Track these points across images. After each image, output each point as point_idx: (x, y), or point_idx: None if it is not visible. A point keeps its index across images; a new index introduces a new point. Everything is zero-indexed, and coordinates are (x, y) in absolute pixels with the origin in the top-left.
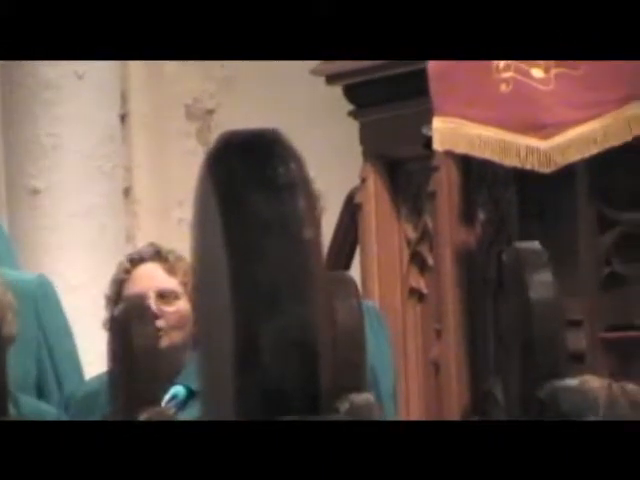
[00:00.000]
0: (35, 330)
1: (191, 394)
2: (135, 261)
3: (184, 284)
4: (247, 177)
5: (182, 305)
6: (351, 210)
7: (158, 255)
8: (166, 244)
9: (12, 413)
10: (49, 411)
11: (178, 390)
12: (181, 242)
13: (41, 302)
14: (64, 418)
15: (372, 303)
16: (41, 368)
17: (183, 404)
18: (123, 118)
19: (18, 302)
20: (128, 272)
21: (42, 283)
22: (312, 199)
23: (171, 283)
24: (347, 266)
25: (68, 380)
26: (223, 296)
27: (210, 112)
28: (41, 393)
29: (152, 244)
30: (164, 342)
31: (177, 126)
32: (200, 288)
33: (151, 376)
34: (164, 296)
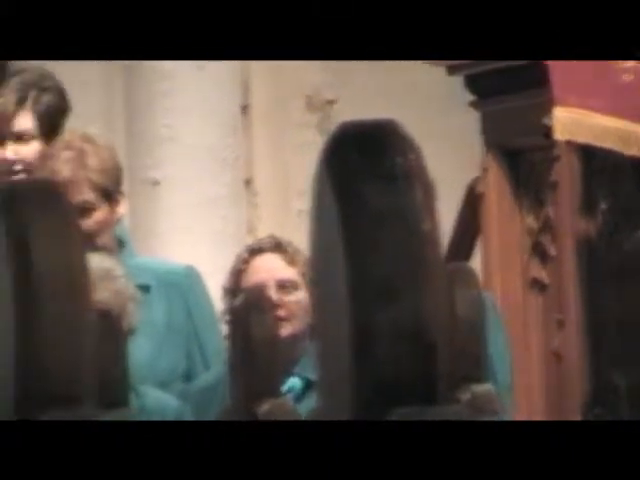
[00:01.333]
0: (184, 322)
1: (308, 385)
2: (254, 252)
3: (303, 275)
4: (363, 168)
5: (301, 295)
6: (472, 200)
7: (278, 246)
8: (286, 235)
9: (134, 404)
10: (170, 403)
11: (295, 382)
12: (301, 233)
13: (190, 293)
14: (186, 410)
15: (487, 293)
16: (190, 359)
17: (301, 395)
18: (244, 109)
19: (167, 292)
20: (246, 262)
21: (191, 274)
22: (429, 190)
23: (291, 273)
24: (468, 257)
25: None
26: (339, 287)
27: (330, 103)
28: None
29: (272, 236)
30: (284, 332)
31: (297, 117)
32: (317, 279)
33: (270, 367)
34: (284, 286)
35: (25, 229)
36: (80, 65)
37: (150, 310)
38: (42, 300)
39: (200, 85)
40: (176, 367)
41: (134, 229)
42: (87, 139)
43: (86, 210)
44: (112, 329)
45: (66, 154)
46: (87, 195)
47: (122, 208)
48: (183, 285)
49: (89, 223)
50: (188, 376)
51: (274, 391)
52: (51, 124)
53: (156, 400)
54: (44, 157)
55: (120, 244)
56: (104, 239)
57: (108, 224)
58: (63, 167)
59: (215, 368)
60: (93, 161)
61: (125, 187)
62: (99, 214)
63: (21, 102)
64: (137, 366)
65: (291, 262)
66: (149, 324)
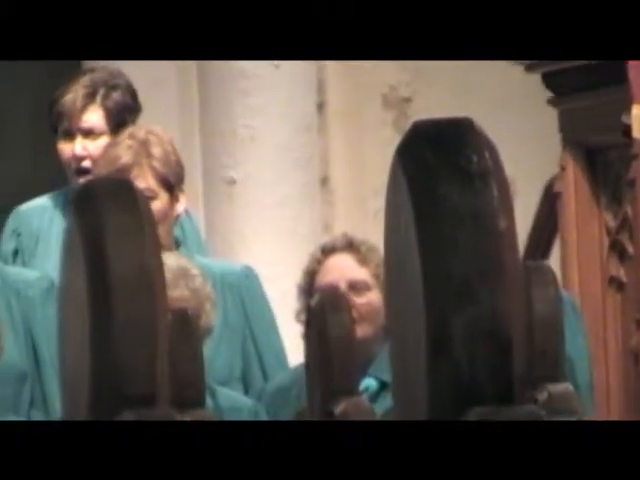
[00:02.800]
0: (241, 322)
1: (383, 386)
2: (327, 251)
3: (376, 276)
4: (439, 167)
5: (373, 296)
6: (550, 199)
7: (350, 246)
8: (362, 234)
9: (209, 405)
10: (246, 403)
11: (370, 382)
12: (378, 232)
13: (247, 293)
14: (261, 410)
15: (566, 292)
16: (247, 361)
17: (375, 396)
18: (320, 107)
19: (225, 294)
20: (320, 263)
21: (248, 274)
22: (506, 189)
23: (362, 274)
24: (546, 255)
25: (274, 373)
26: (415, 287)
27: (407, 100)
28: (247, 386)
29: (345, 235)
30: (357, 332)
31: (374, 115)
32: (392, 278)
33: (347, 366)
34: (355, 287)
35: (100, 228)
36: (155, 65)
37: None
38: (117, 300)
39: (276, 84)
40: (233, 367)
41: (210, 228)
42: (151, 132)
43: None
44: (189, 328)
45: (129, 142)
46: (149, 182)
47: (181, 206)
48: (240, 286)
49: None
50: (244, 376)
51: (351, 390)
52: (119, 121)
53: (231, 400)
54: (107, 145)
55: (176, 243)
56: (160, 231)
57: (166, 217)
58: (125, 153)
59: (287, 370)
60: (157, 151)
61: (201, 186)
62: (158, 204)
63: (90, 98)
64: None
65: (363, 262)
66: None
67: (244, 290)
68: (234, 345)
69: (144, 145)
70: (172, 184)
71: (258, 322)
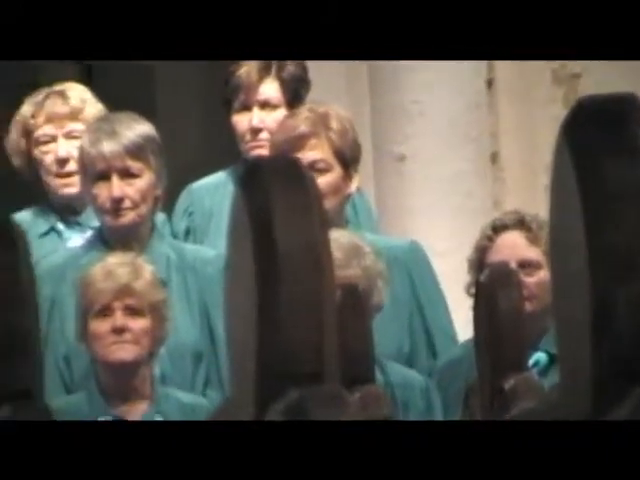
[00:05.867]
0: (408, 297)
1: (553, 360)
2: (498, 228)
3: (547, 253)
4: (603, 143)
5: (544, 275)
6: None
7: (521, 223)
8: (533, 210)
9: (380, 380)
10: (416, 379)
11: (540, 356)
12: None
13: (414, 269)
14: (431, 385)
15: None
16: (414, 336)
17: (545, 370)
18: (489, 84)
19: (391, 269)
20: (491, 240)
21: (415, 249)
22: None
23: (533, 253)
24: None
25: (442, 349)
26: (580, 263)
27: (576, 76)
28: (413, 362)
29: (516, 211)
30: (528, 308)
31: (543, 91)
32: (557, 254)
33: (516, 341)
34: (525, 266)
35: (267, 205)
36: None
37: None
38: (284, 277)
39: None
40: (401, 342)
41: (380, 204)
42: (331, 107)
43: (320, 169)
44: (360, 305)
45: (308, 113)
46: (325, 153)
47: (354, 185)
48: (407, 260)
49: (320, 183)
50: (411, 351)
51: (521, 366)
52: (294, 93)
53: (401, 375)
54: (285, 116)
55: (347, 221)
56: (330, 204)
57: (338, 192)
58: (303, 123)
59: (459, 344)
60: (335, 124)
61: (371, 162)
62: (331, 177)
63: (266, 70)
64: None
65: (534, 241)
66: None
67: (411, 265)
68: (402, 321)
69: (324, 118)
70: (347, 160)
71: (426, 297)
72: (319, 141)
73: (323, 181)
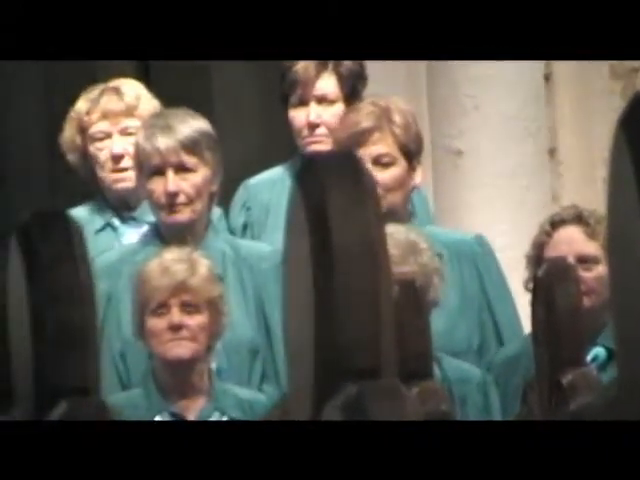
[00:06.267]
0: (477, 292)
1: (612, 355)
2: (556, 223)
3: (605, 248)
4: None
5: (602, 270)
6: None
7: (579, 218)
8: (591, 205)
9: (437, 375)
10: (474, 374)
11: (598, 351)
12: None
13: (482, 263)
14: (489, 380)
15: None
16: (483, 331)
17: (604, 365)
18: (547, 78)
19: (458, 263)
20: (549, 235)
21: (482, 243)
22: None
23: (591, 248)
24: None
25: (510, 343)
26: (637, 255)
27: (635, 70)
28: (483, 356)
29: (574, 206)
30: (586, 303)
31: (601, 85)
32: (615, 248)
33: (574, 336)
34: (583, 261)
35: (324, 200)
36: None
37: (444, 279)
38: (340, 272)
39: None
40: (471, 337)
41: (438, 199)
42: (393, 101)
43: (384, 164)
44: (417, 301)
45: (371, 108)
46: (390, 147)
47: (418, 178)
48: (475, 254)
49: (385, 177)
50: (481, 346)
51: (579, 361)
52: (351, 88)
53: (458, 370)
54: (347, 111)
55: (410, 214)
56: (396, 198)
57: (403, 185)
58: (366, 118)
59: (518, 338)
60: (398, 118)
61: (428, 157)
62: (396, 170)
63: (323, 65)
64: (432, 337)
65: (592, 235)
66: (442, 294)
67: (479, 259)
68: (471, 315)
69: (386, 112)
70: (411, 152)
71: (494, 291)
72: (383, 135)
73: (388, 175)
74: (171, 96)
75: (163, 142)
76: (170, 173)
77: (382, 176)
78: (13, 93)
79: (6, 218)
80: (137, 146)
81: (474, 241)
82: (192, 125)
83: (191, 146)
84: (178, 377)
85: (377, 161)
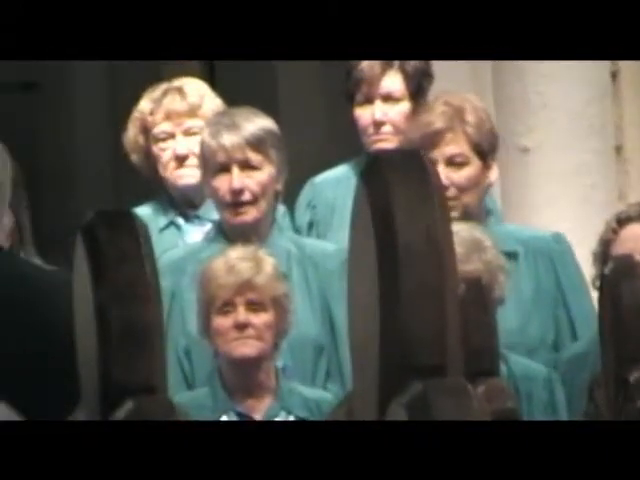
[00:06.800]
0: (552, 288)
1: None
2: (622, 221)
3: None
4: None
5: None
6: None
7: None
8: None
9: (503, 372)
10: (539, 371)
11: None
12: None
13: (559, 260)
14: (555, 378)
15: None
16: (558, 327)
17: None
18: (614, 76)
19: (535, 259)
20: (615, 232)
21: (560, 241)
22: None
23: None
24: None
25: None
26: None
27: None
28: (556, 352)
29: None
30: None
31: None
32: None
33: None
34: None
35: (389, 198)
36: None
37: (518, 277)
38: (405, 269)
39: None
40: (545, 334)
41: (504, 196)
42: (466, 99)
43: (458, 164)
44: (482, 299)
45: (443, 108)
46: (462, 147)
47: (493, 176)
48: (552, 252)
49: (459, 177)
50: (555, 344)
51: None
52: (417, 86)
53: (524, 367)
54: (419, 111)
55: (487, 212)
56: (471, 198)
57: (477, 184)
58: (438, 118)
59: (586, 336)
60: (471, 117)
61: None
62: (470, 170)
63: (388, 63)
64: (506, 333)
65: None
66: (517, 291)
67: (556, 256)
68: (546, 311)
69: (458, 111)
70: (485, 151)
71: (570, 288)
72: (455, 135)
73: (462, 175)
74: (236, 95)
75: (229, 139)
76: (235, 170)
77: (456, 176)
78: (79, 94)
79: (72, 217)
80: (202, 143)
81: (552, 238)
82: (258, 123)
83: (256, 143)
84: (244, 376)
85: (450, 161)
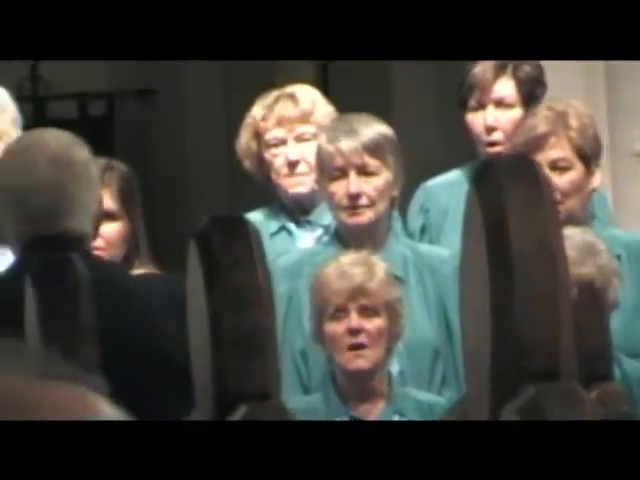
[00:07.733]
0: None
1: None
2: None
3: None
4: None
5: None
6: None
7: None
8: None
9: (617, 376)
10: None
11: None
12: None
13: None
14: None
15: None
16: None
17: None
18: None
19: (637, 263)
20: None
21: None
22: None
23: None
24: None
25: None
26: None
27: None
28: None
29: None
30: None
31: None
32: None
33: None
34: None
35: (501, 203)
36: None
37: (623, 280)
38: (518, 275)
39: None
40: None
41: (617, 202)
42: (570, 104)
43: (561, 168)
44: (596, 302)
45: (547, 112)
46: (565, 152)
47: (596, 181)
48: None
49: (562, 182)
50: None
51: None
52: (529, 93)
53: (638, 371)
54: (525, 117)
55: (591, 217)
56: (574, 203)
57: (581, 189)
58: (542, 123)
59: None
60: (575, 122)
61: (609, 159)
62: (573, 175)
63: (501, 69)
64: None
65: None
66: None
67: None
68: None
69: (562, 116)
70: (589, 156)
71: None
72: (559, 140)
73: (565, 180)
74: (348, 100)
75: (346, 144)
76: (352, 174)
77: (559, 181)
78: (192, 101)
79: (185, 223)
80: (319, 148)
81: None
82: (375, 129)
83: (374, 149)
84: (358, 384)
85: (554, 166)
